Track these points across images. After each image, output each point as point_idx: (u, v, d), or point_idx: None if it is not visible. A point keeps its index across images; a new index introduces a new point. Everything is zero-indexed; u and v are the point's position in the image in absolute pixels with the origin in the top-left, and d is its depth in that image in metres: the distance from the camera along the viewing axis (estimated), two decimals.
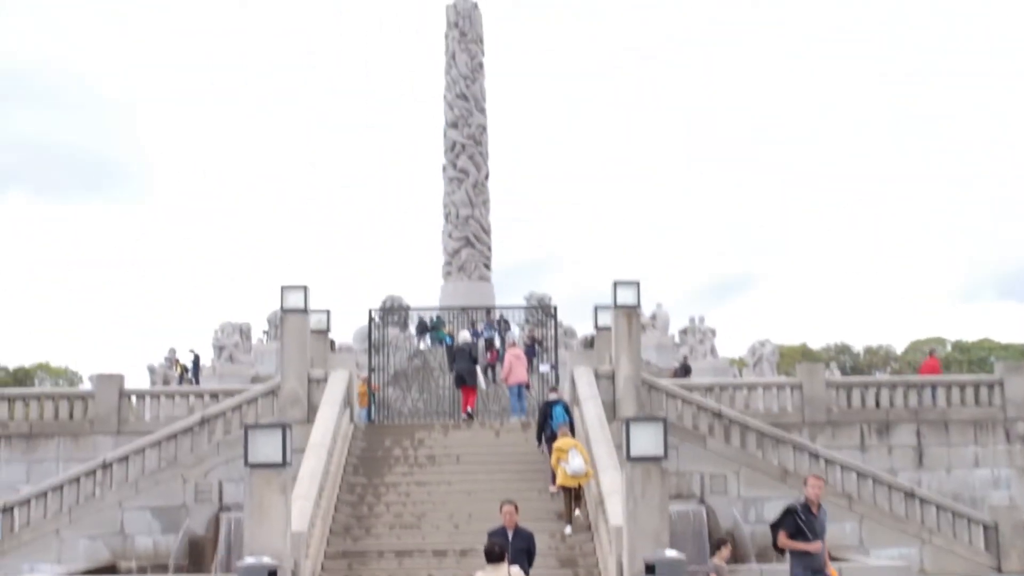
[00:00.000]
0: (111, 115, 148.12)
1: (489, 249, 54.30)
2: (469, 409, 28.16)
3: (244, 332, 45.72)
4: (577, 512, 21.00)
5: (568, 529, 20.81)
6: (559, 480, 20.99)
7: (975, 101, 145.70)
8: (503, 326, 40.42)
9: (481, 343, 36.36)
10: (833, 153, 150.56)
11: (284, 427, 17.39)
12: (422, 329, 42.47)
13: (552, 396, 23.98)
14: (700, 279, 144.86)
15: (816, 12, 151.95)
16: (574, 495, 21.09)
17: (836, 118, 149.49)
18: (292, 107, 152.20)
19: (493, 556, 13.42)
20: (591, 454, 21.28)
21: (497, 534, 15.05)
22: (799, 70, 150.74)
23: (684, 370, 40.07)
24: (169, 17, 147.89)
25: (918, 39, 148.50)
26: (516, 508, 15.43)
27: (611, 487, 19.20)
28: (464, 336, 30.21)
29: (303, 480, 20.25)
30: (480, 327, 39.07)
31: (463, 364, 28.47)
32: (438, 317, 42.18)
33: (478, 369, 29.09)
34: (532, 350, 35.50)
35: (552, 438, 22.15)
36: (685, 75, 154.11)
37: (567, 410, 23.26)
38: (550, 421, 22.86)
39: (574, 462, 20.55)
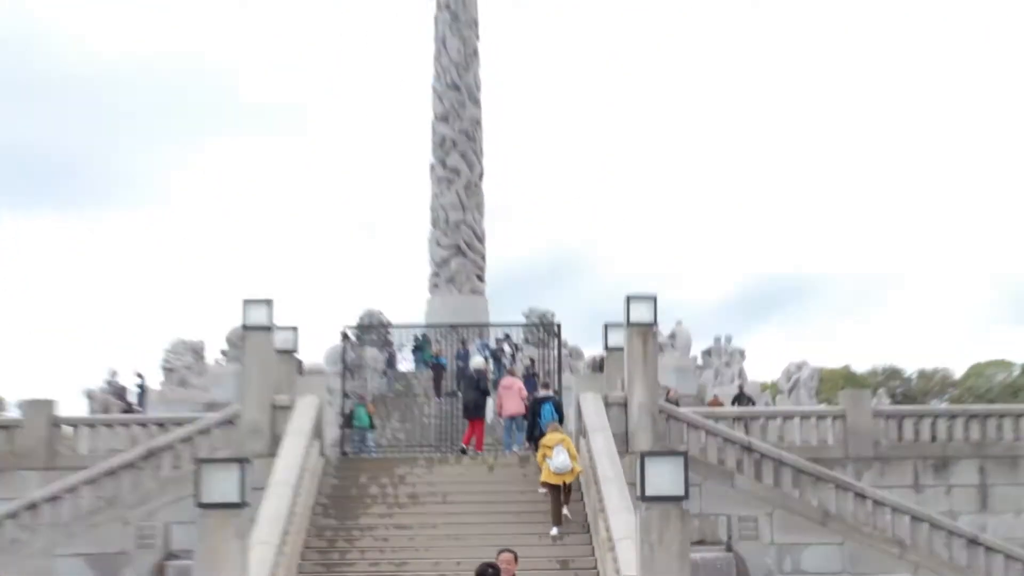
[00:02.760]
0: (71, 118, 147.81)
1: (483, 258, 54.31)
2: (467, 446, 28.09)
3: (198, 352, 45.63)
4: (565, 511, 22.20)
5: (555, 530, 22.08)
6: (543, 476, 22.34)
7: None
8: (508, 347, 40.31)
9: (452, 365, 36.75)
10: (876, 144, 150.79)
11: (243, 461, 17.48)
12: (417, 349, 42.69)
13: (542, 392, 25.28)
14: (727, 292, 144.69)
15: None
16: (563, 493, 22.25)
17: (877, 108, 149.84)
18: (259, 91, 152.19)
19: None
20: (600, 493, 21.24)
21: None
22: (828, 54, 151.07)
23: (749, 399, 39.84)
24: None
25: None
26: (516, 558, 15.24)
27: (623, 531, 19.10)
28: (477, 362, 30.44)
29: (264, 523, 20.16)
30: (473, 347, 38.99)
31: (471, 394, 28.74)
32: (424, 336, 42.17)
33: (489, 401, 29.35)
34: (532, 380, 35.25)
35: (540, 437, 23.67)
36: (703, 54, 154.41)
37: (557, 408, 24.88)
38: (539, 420, 24.49)
39: (557, 459, 21.77)
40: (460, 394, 30.97)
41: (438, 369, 37.66)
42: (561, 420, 24.88)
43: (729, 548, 24.43)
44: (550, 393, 25.80)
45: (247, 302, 25.62)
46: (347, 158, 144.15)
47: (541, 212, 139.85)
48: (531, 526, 22.74)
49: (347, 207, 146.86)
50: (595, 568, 21.07)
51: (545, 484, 22.64)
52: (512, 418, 28.37)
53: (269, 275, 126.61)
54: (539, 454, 22.75)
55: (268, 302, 25.70)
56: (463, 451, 27.94)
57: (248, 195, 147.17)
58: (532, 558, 20.40)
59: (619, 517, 19.94)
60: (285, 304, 26.22)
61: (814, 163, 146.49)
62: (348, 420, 29.22)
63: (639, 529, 16.70)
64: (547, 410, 24.70)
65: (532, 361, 36.89)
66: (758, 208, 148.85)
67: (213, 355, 47.87)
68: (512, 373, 30.32)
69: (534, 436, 25.06)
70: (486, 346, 39.77)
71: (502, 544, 16.51)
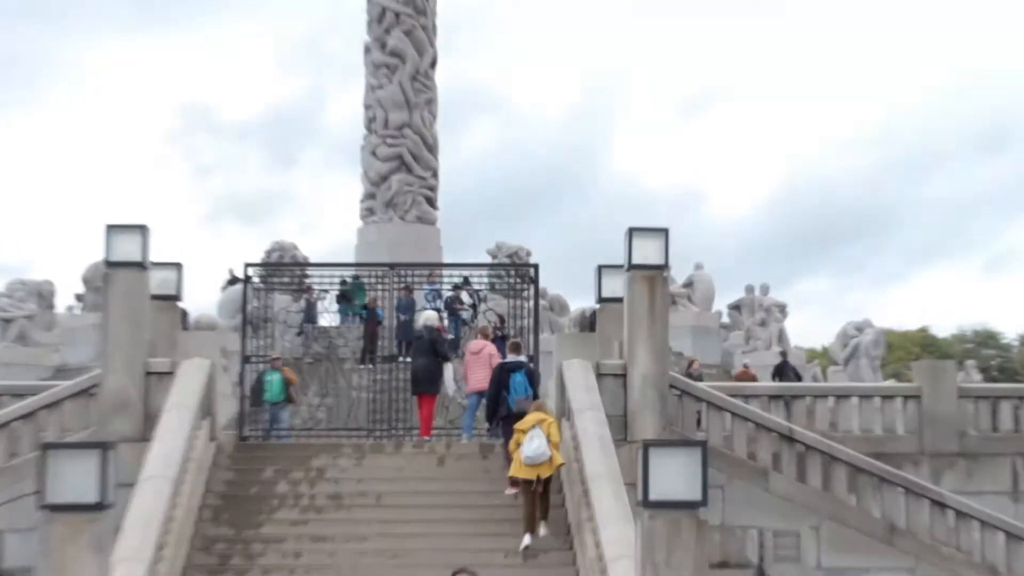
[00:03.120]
0: None
1: (435, 175, 54.33)
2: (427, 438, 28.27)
3: (44, 297, 45.48)
4: (542, 530, 22.38)
5: (527, 539, 22.26)
6: (512, 470, 22.47)
7: None
8: (467, 296, 40.24)
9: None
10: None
11: (104, 448, 17.39)
12: (343, 297, 42.66)
13: (511, 357, 25.34)
14: (763, 224, 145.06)
15: None
16: (538, 492, 22.27)
17: None
18: None
19: None
20: (588, 496, 21.32)
21: None
22: None
23: (794, 372, 39.91)
24: None
25: None
26: None
27: (619, 548, 19.19)
28: (428, 316, 30.36)
29: (133, 531, 20.15)
30: (421, 296, 38.95)
31: (423, 360, 28.84)
32: (354, 279, 42.14)
33: (447, 369, 29.53)
34: (499, 343, 35.28)
35: (508, 417, 23.85)
36: None
37: (532, 379, 24.89)
38: (506, 394, 24.39)
39: (530, 445, 21.80)
40: (404, 359, 30.81)
41: (372, 324, 37.59)
42: (536, 395, 24.78)
43: (761, 572, 24.60)
44: (522, 358, 25.56)
45: (112, 228, 25.44)
46: (254, 38, 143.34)
47: (513, 111, 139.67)
48: (495, 539, 22.90)
49: (252, 108, 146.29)
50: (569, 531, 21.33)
51: (515, 481, 22.68)
52: (479, 394, 28.33)
53: (144, 197, 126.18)
54: (512, 441, 22.64)
55: (141, 228, 25.53)
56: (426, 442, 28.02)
57: (121, 96, 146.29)
58: None
59: (613, 528, 20.01)
60: (165, 234, 26.05)
61: (884, 47, 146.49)
62: (256, 393, 29.10)
63: (640, 545, 16.77)
64: (518, 381, 24.48)
65: (501, 319, 36.84)
66: (804, 108, 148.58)
67: (65, 301, 47.78)
68: (484, 334, 30.28)
69: (497, 415, 24.92)
70: (438, 294, 39.69)
71: (456, 563, 16.59)
